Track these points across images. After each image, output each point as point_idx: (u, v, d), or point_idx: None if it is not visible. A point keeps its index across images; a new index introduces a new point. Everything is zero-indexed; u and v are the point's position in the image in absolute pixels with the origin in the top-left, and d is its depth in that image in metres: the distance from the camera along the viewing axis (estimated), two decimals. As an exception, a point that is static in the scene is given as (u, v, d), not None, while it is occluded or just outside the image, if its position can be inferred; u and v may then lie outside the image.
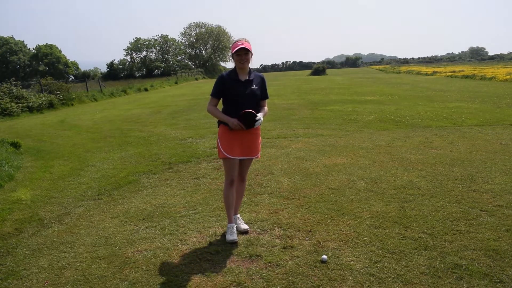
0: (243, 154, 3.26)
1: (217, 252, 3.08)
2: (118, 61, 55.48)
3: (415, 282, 2.53)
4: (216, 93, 3.21)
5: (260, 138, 3.40)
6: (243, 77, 3.20)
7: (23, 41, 62.13)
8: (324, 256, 2.86)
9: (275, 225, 3.51)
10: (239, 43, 3.11)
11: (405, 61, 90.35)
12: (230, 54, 3.28)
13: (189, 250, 3.13)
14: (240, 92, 3.15)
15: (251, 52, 3.15)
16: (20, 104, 16.13)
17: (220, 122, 3.27)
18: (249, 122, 3.10)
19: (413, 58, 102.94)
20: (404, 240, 3.10)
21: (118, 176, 5.43)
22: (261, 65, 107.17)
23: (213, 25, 67.28)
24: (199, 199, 4.33)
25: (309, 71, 54.22)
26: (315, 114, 10.55)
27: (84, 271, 2.90)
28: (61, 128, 10.95)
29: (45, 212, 4.20)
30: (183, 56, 63.13)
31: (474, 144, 6.26)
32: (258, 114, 3.14)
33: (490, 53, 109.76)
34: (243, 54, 3.11)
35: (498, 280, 2.50)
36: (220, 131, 3.28)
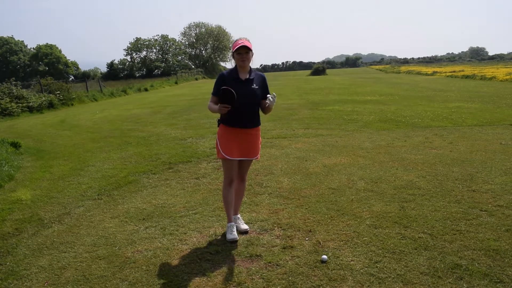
0: (242, 155, 3.25)
1: (217, 252, 3.08)
2: (118, 61, 55.57)
3: (415, 282, 2.53)
4: (216, 92, 3.18)
5: (260, 139, 3.38)
6: (244, 76, 3.18)
7: (23, 41, 62.23)
8: (324, 256, 2.86)
9: (275, 225, 3.51)
10: (239, 42, 3.10)
11: (405, 61, 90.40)
12: (230, 53, 3.27)
13: (189, 250, 3.13)
14: (240, 91, 3.10)
15: (251, 51, 3.14)
16: (20, 104, 16.13)
17: (219, 122, 3.26)
18: (230, 98, 2.99)
19: (413, 58, 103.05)
20: (404, 240, 3.09)
21: (118, 176, 5.43)
22: (261, 65, 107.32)
23: (213, 25, 67.45)
24: (199, 199, 4.33)
25: (309, 71, 54.25)
26: (315, 114, 10.55)
27: (84, 271, 2.90)
28: (61, 128, 10.95)
29: (45, 212, 4.20)
30: (183, 56, 63.15)
31: (474, 144, 6.26)
32: (268, 96, 3.13)
33: (490, 53, 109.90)
34: (244, 52, 3.10)
35: (498, 280, 2.50)
36: (219, 131, 3.27)
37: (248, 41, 3.14)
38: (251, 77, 3.20)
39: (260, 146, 3.39)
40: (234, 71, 3.21)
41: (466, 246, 2.96)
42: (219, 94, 3.10)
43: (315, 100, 14.38)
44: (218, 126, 3.29)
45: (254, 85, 3.19)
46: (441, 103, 12.06)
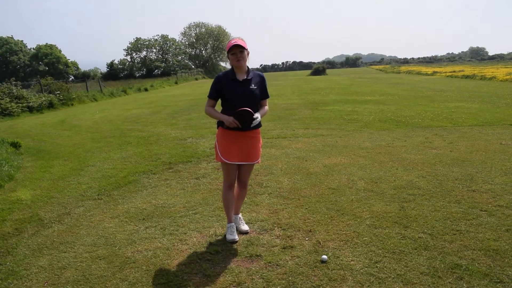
0: (241, 159, 3.16)
1: (217, 252, 3.08)
2: (118, 61, 55.56)
3: (415, 282, 2.54)
4: (213, 94, 3.11)
5: (260, 141, 3.28)
6: (241, 76, 3.09)
7: (22, 40, 62.24)
8: (324, 256, 2.86)
9: (275, 225, 3.51)
10: (232, 41, 3.00)
11: (405, 61, 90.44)
12: (226, 54, 3.17)
13: (189, 250, 3.13)
14: (237, 92, 3.04)
15: (246, 50, 3.04)
16: (20, 104, 16.13)
17: (219, 124, 3.18)
18: (246, 120, 2.97)
19: (413, 58, 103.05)
20: (404, 240, 3.10)
21: (118, 176, 5.44)
22: (261, 65, 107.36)
23: (213, 25, 67.53)
24: (199, 199, 4.33)
25: (309, 71, 54.25)
26: (315, 114, 10.55)
27: (84, 271, 2.90)
28: (61, 128, 10.96)
29: (45, 212, 4.20)
30: (183, 56, 63.18)
31: (474, 144, 6.26)
32: (255, 114, 3.01)
33: (490, 53, 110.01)
34: (238, 52, 2.99)
35: (498, 280, 2.50)
36: (218, 134, 3.19)
37: (242, 40, 3.04)
38: (249, 77, 3.09)
39: (260, 149, 3.29)
40: (230, 72, 3.11)
41: (466, 246, 2.96)
42: (214, 97, 3.10)
43: (315, 100, 14.38)
44: (217, 128, 3.22)
45: (252, 85, 3.09)
46: (441, 103, 12.05)
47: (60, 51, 60.27)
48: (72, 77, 51.71)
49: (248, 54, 3.08)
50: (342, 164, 5.40)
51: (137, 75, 53.76)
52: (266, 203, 4.08)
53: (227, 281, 2.67)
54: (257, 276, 2.70)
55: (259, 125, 3.19)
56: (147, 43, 58.30)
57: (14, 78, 19.15)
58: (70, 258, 3.11)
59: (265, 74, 3.38)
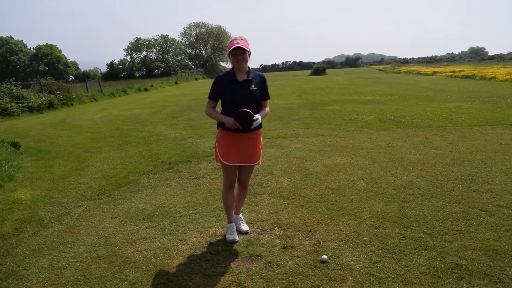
0: (241, 160, 3.13)
1: (217, 252, 3.08)
2: (118, 61, 55.62)
3: (415, 282, 2.54)
4: (213, 95, 3.08)
5: (261, 142, 3.25)
6: (241, 77, 3.05)
7: (22, 40, 62.29)
8: (324, 256, 2.86)
9: (275, 225, 3.51)
10: (234, 42, 2.94)
11: (405, 61, 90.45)
12: (226, 54, 3.09)
13: (189, 250, 3.13)
14: (238, 93, 3.01)
15: (248, 51, 2.98)
16: (20, 104, 16.14)
17: (219, 125, 3.15)
18: (246, 122, 2.95)
19: (413, 58, 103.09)
20: (404, 240, 3.10)
21: (118, 176, 5.44)
22: (261, 65, 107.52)
23: (213, 25, 67.59)
24: (199, 199, 4.33)
25: (309, 71, 54.26)
26: (315, 114, 10.55)
27: (84, 271, 2.90)
28: (61, 128, 10.96)
29: (45, 212, 4.20)
30: (183, 56, 63.20)
31: (474, 144, 6.26)
32: (255, 115, 2.99)
33: (490, 53, 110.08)
34: (239, 53, 2.94)
35: (498, 280, 2.50)
36: (218, 135, 3.16)
37: (245, 40, 2.99)
38: (249, 78, 3.05)
39: (261, 150, 3.26)
40: (231, 72, 3.07)
41: (466, 246, 2.96)
42: (214, 98, 3.08)
43: (315, 100, 14.38)
44: (217, 128, 3.20)
45: (253, 86, 3.05)
46: (441, 103, 12.05)
47: (60, 51, 60.31)
48: (72, 77, 51.74)
49: (249, 55, 3.03)
50: (342, 164, 5.40)
51: (137, 75, 53.79)
52: (266, 203, 4.08)
53: (227, 281, 2.67)
54: (257, 276, 2.70)
55: (259, 126, 3.15)
56: (147, 43, 58.34)
57: (14, 78, 19.18)
58: (70, 258, 3.11)
59: (265, 74, 3.33)
